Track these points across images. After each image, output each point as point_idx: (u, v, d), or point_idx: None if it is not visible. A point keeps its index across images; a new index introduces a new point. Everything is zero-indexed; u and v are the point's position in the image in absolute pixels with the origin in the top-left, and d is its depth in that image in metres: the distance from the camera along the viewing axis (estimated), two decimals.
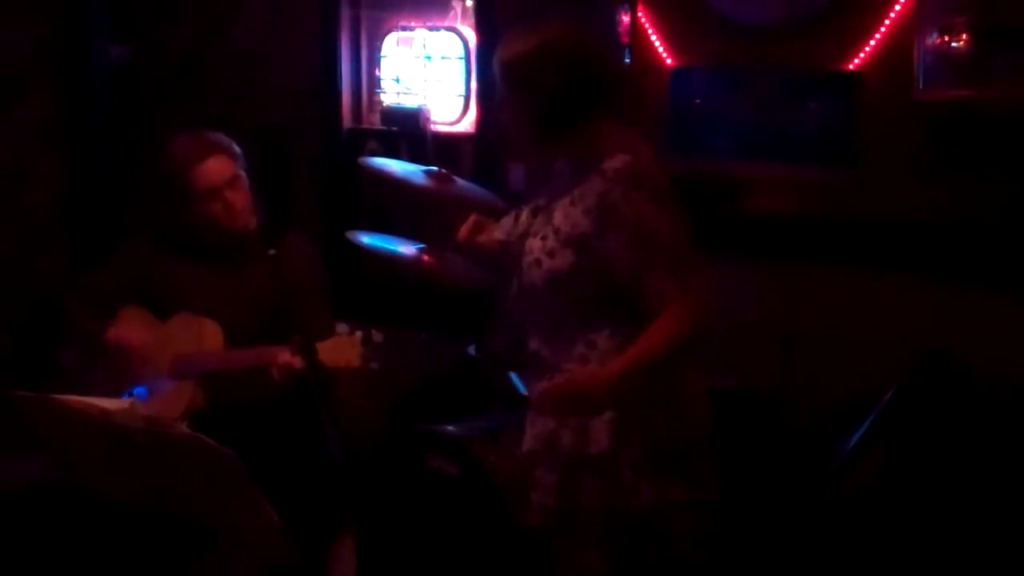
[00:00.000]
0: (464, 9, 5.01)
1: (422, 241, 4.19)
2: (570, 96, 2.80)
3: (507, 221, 3.07)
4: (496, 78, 2.91)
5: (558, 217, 2.83)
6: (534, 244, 2.87)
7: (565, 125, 2.83)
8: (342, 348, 3.23)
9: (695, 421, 2.93)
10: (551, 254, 2.82)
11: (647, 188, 2.74)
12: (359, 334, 3.23)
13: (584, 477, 2.85)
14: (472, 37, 4.94)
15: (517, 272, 2.94)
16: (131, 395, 3.47)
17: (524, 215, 3.00)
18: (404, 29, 5.15)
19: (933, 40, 3.83)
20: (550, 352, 2.92)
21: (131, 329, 3.62)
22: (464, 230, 3.10)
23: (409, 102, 5.11)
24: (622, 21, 4.43)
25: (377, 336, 3.26)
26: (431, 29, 5.06)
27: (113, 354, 3.57)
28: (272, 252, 3.41)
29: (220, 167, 3.58)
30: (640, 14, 4.42)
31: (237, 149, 3.65)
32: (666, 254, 2.73)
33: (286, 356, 3.32)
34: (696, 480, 2.90)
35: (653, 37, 4.41)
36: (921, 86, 3.88)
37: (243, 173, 3.63)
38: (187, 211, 3.58)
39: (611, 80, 2.91)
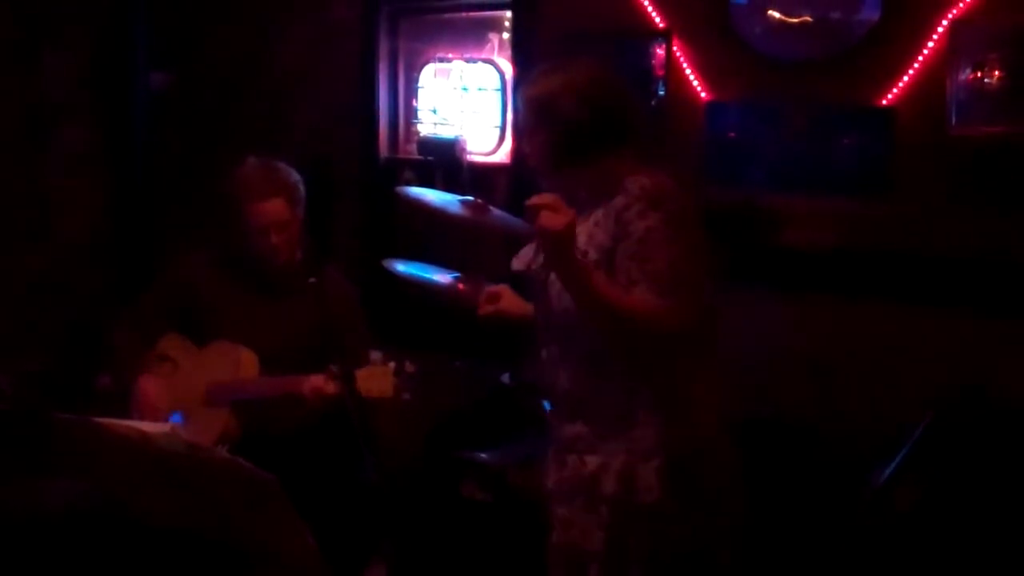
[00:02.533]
0: (501, 42, 5.06)
1: (457, 270, 4.22)
2: (588, 129, 2.82)
3: (526, 251, 3.05)
4: (520, 111, 2.95)
5: (583, 240, 2.76)
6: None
7: (582, 156, 2.84)
8: (375, 378, 3.26)
9: (728, 468, 2.91)
10: None
11: (665, 209, 2.71)
12: (392, 364, 3.26)
13: (634, 525, 2.80)
14: (508, 69, 4.99)
15: (545, 302, 2.90)
16: (167, 420, 3.49)
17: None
18: (441, 60, 5.20)
19: (966, 76, 3.85)
20: (588, 392, 2.85)
21: (155, 388, 3.62)
22: (483, 306, 3.12)
23: (445, 132, 5.15)
24: (657, 55, 4.47)
25: (410, 367, 3.29)
26: (468, 61, 5.12)
27: (133, 401, 3.60)
28: (312, 281, 3.45)
29: (277, 210, 3.61)
30: (675, 48, 4.46)
31: (302, 191, 3.68)
32: (659, 275, 2.67)
33: (319, 382, 3.35)
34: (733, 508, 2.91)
35: (688, 71, 4.44)
36: (954, 122, 3.89)
37: (299, 215, 3.66)
38: (234, 237, 3.63)
39: (631, 114, 2.92)
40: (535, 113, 2.89)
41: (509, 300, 3.13)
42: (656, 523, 2.79)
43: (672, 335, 2.70)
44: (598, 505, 2.82)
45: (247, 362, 3.61)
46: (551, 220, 2.60)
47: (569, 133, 2.82)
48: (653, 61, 4.49)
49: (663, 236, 2.69)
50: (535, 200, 2.66)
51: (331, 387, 3.30)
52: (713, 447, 2.86)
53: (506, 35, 5.04)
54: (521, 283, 3.09)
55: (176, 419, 3.54)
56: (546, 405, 3.79)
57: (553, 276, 2.82)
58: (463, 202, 4.22)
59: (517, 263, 3.07)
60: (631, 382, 2.80)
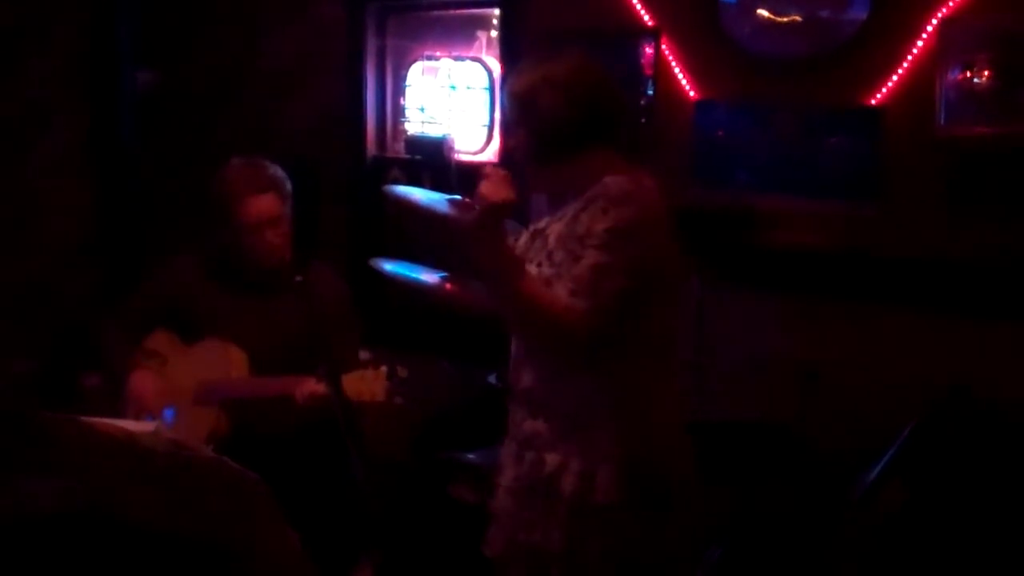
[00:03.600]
0: (489, 40, 5.06)
1: (445, 269, 4.21)
2: (569, 123, 2.80)
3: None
4: (505, 106, 2.94)
5: (552, 241, 2.78)
6: (531, 271, 2.78)
7: (565, 152, 2.82)
8: (367, 382, 3.25)
9: (684, 471, 2.89)
10: (547, 282, 2.73)
11: (617, 216, 2.67)
12: (384, 368, 3.24)
13: (592, 524, 2.79)
14: (496, 68, 4.98)
15: None
16: (154, 419, 3.48)
17: (524, 239, 2.96)
18: (429, 59, 5.20)
19: (955, 76, 3.85)
20: (548, 392, 2.84)
21: (148, 383, 3.59)
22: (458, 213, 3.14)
23: (433, 131, 5.15)
24: (646, 54, 4.46)
25: (402, 371, 3.27)
26: (456, 59, 5.11)
27: (125, 397, 3.58)
28: (299, 279, 3.43)
29: (268, 205, 3.60)
30: (664, 47, 4.46)
31: (289, 187, 3.67)
32: (580, 277, 2.64)
33: (310, 384, 3.34)
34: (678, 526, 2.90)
35: (677, 70, 4.44)
36: (943, 122, 3.89)
37: (288, 212, 3.65)
38: (226, 237, 3.62)
39: (614, 111, 2.90)
40: (518, 108, 2.88)
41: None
42: (613, 524, 2.79)
43: (576, 343, 2.67)
44: (556, 505, 2.80)
45: (237, 361, 3.60)
46: (491, 191, 2.63)
47: (550, 127, 2.81)
48: (642, 60, 4.49)
49: (601, 242, 2.66)
50: (487, 169, 2.71)
51: (322, 389, 3.29)
52: (672, 449, 2.85)
53: (494, 33, 5.04)
54: None
55: (169, 414, 3.52)
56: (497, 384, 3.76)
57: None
58: (451, 201, 4.21)
59: None
60: (591, 383, 2.79)
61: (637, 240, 2.69)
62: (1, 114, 5.34)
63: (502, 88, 4.26)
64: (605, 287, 2.64)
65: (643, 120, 4.46)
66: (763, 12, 4.21)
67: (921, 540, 3.44)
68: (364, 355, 3.34)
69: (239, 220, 3.58)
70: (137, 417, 3.51)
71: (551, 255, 2.77)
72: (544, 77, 2.83)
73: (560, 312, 2.64)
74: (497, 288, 2.76)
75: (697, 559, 3.10)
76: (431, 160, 5.04)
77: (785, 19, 4.18)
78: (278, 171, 3.68)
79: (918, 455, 3.56)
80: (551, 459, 2.82)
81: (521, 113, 2.87)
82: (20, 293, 5.36)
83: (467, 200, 4.15)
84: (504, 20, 4.95)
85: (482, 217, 2.67)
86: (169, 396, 3.57)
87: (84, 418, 2.74)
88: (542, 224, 2.91)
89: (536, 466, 2.85)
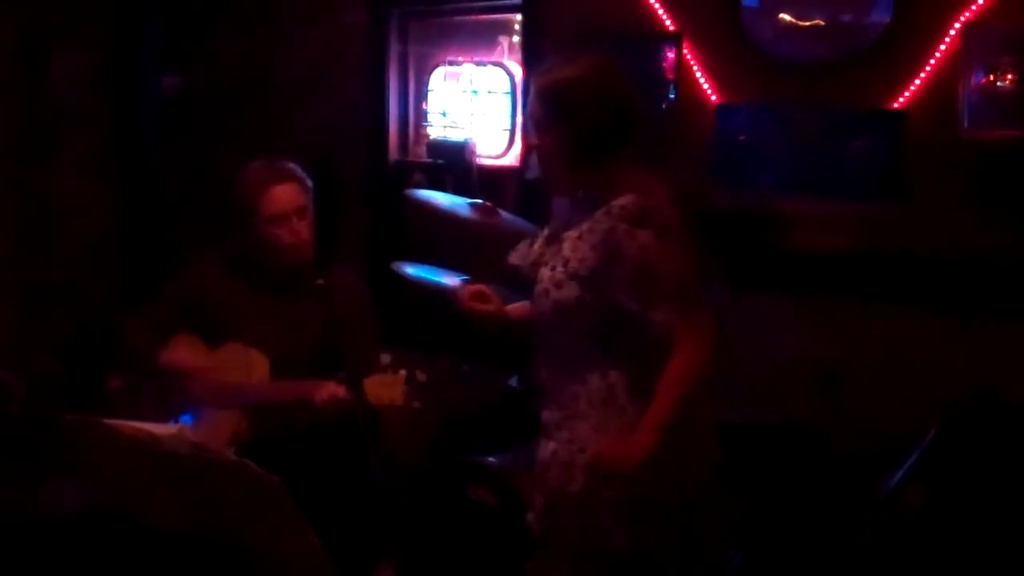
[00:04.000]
0: (511, 45, 5.06)
1: (466, 273, 4.22)
2: (607, 128, 2.84)
3: (523, 247, 3.09)
4: (532, 103, 2.92)
5: (567, 249, 2.86)
6: (545, 273, 2.90)
7: (597, 156, 2.85)
8: (386, 386, 3.25)
9: (681, 471, 2.92)
10: (558, 285, 2.84)
11: (651, 225, 2.77)
12: (403, 372, 3.25)
13: (563, 511, 2.91)
14: (518, 72, 4.98)
15: (532, 300, 2.97)
16: (177, 422, 3.49)
17: (539, 242, 3.03)
18: (451, 64, 5.20)
19: (978, 79, 3.83)
20: (554, 384, 2.97)
21: (183, 352, 3.65)
22: (466, 298, 3.14)
23: (455, 135, 5.15)
24: (667, 58, 4.46)
25: (421, 375, 3.28)
26: (478, 64, 5.11)
27: (168, 378, 3.60)
28: (320, 282, 3.44)
29: (290, 194, 3.62)
30: (685, 51, 4.45)
31: (309, 183, 3.69)
32: (668, 289, 2.76)
33: (330, 388, 3.34)
34: (684, 525, 2.94)
35: (698, 73, 4.43)
36: (966, 125, 3.87)
37: (310, 206, 3.66)
38: (252, 234, 3.62)
39: (638, 116, 2.94)
40: (550, 105, 2.87)
41: (495, 306, 3.14)
42: (580, 512, 2.88)
43: (714, 341, 2.81)
44: (544, 489, 2.97)
45: (258, 364, 3.61)
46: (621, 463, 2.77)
47: (588, 127, 2.83)
48: (664, 64, 4.48)
49: (656, 248, 2.76)
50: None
51: (343, 393, 3.30)
52: (667, 451, 2.84)
53: (516, 38, 5.03)
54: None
55: (186, 419, 3.54)
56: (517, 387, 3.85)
57: (540, 276, 2.91)
58: (472, 205, 4.22)
59: (515, 257, 3.11)
60: (581, 376, 2.89)
61: (680, 237, 2.80)
62: (25, 117, 5.36)
63: (526, 89, 4.29)
64: (693, 283, 2.79)
65: (665, 123, 4.45)
66: (785, 16, 4.20)
67: (942, 544, 3.42)
68: (385, 358, 3.34)
69: (262, 212, 3.59)
70: (180, 388, 3.57)
71: (566, 262, 2.84)
72: (580, 74, 2.84)
73: (695, 365, 2.79)
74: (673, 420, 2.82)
75: (718, 561, 3.11)
76: (453, 164, 5.04)
77: (807, 23, 4.17)
78: (296, 168, 3.70)
79: (942, 459, 3.54)
80: (549, 446, 2.97)
81: (553, 111, 2.87)
82: (43, 295, 5.39)
83: (489, 204, 4.16)
84: (526, 25, 4.95)
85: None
86: (198, 392, 3.58)
87: (107, 420, 2.77)
88: (557, 230, 2.98)
89: (543, 451, 3.00)
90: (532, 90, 2.93)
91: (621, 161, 2.87)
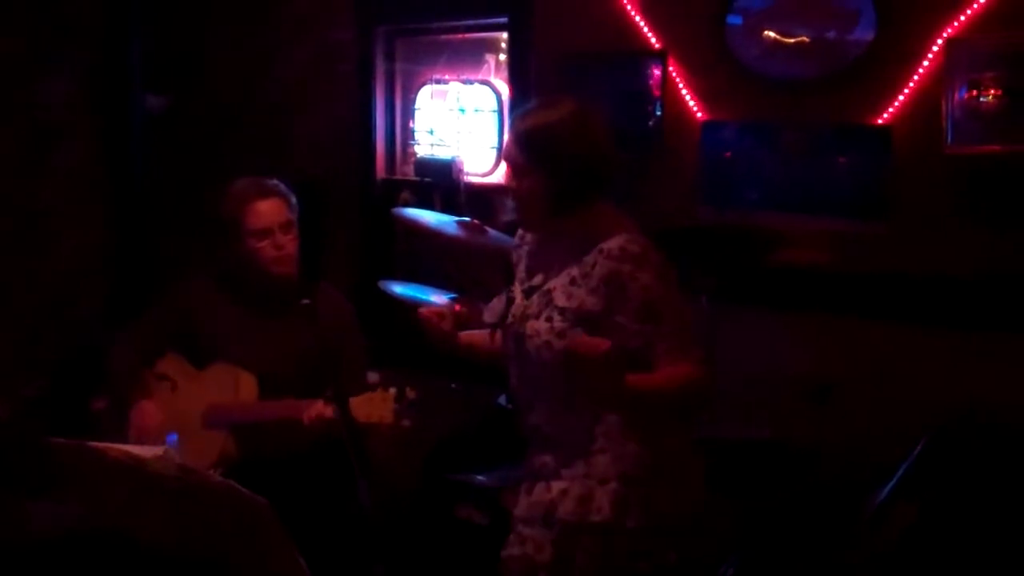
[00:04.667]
0: (497, 63, 5.07)
1: (454, 291, 4.22)
2: (586, 174, 2.81)
3: (496, 304, 3.07)
4: (510, 147, 2.86)
5: (560, 298, 2.82)
6: (539, 327, 2.84)
7: (575, 202, 2.83)
8: (375, 404, 3.25)
9: (693, 492, 2.94)
10: (561, 335, 2.80)
11: (651, 265, 2.77)
12: (393, 391, 3.25)
13: (583, 541, 2.86)
14: (505, 90, 5.00)
15: (519, 354, 2.93)
16: (163, 443, 3.48)
17: (517, 297, 2.98)
18: (438, 82, 5.21)
19: (962, 95, 3.85)
20: (557, 429, 2.91)
21: (151, 413, 3.60)
22: (423, 312, 3.11)
23: (442, 154, 5.16)
24: (653, 75, 4.47)
25: (411, 393, 3.27)
26: (465, 82, 5.12)
27: (130, 429, 3.59)
28: (306, 302, 3.44)
29: (274, 209, 3.62)
30: (671, 68, 4.47)
31: (294, 200, 3.69)
32: (673, 327, 2.76)
33: (317, 407, 3.34)
34: (687, 546, 2.94)
35: (684, 91, 4.45)
36: (950, 141, 3.89)
37: (295, 220, 3.67)
38: (238, 249, 3.62)
39: (616, 163, 2.90)
40: (529, 150, 2.82)
41: (448, 323, 3.11)
42: (605, 541, 2.85)
43: (710, 391, 2.83)
44: (552, 523, 2.89)
45: (246, 385, 3.61)
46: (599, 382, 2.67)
47: (566, 174, 2.79)
48: (650, 81, 4.50)
49: (660, 288, 2.77)
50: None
51: (330, 412, 3.29)
52: (674, 475, 2.89)
53: (503, 56, 5.05)
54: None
55: (171, 440, 3.53)
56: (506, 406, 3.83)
57: (530, 330, 2.87)
58: (460, 223, 4.23)
59: (489, 316, 3.09)
60: (596, 415, 2.86)
61: (675, 280, 2.82)
62: (15, 135, 5.36)
63: (512, 108, 4.29)
64: (691, 323, 2.82)
65: (651, 140, 4.46)
66: (770, 33, 4.22)
67: (932, 559, 3.43)
68: (373, 377, 3.34)
69: (247, 227, 3.59)
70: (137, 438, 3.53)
71: (564, 311, 2.82)
72: (560, 121, 2.80)
73: (695, 383, 2.78)
74: (641, 408, 2.83)
75: None
76: (440, 182, 5.05)
77: (792, 40, 4.19)
78: (280, 184, 3.70)
79: (929, 473, 3.55)
80: (556, 486, 2.90)
81: (538, 156, 2.81)
82: (31, 314, 5.38)
83: (476, 222, 4.17)
84: (512, 43, 4.97)
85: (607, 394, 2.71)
86: (177, 422, 3.56)
87: (93, 443, 2.76)
88: (536, 282, 2.94)
89: (543, 494, 2.93)
90: (511, 134, 2.88)
91: (600, 208, 2.86)
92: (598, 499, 2.83)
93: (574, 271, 2.82)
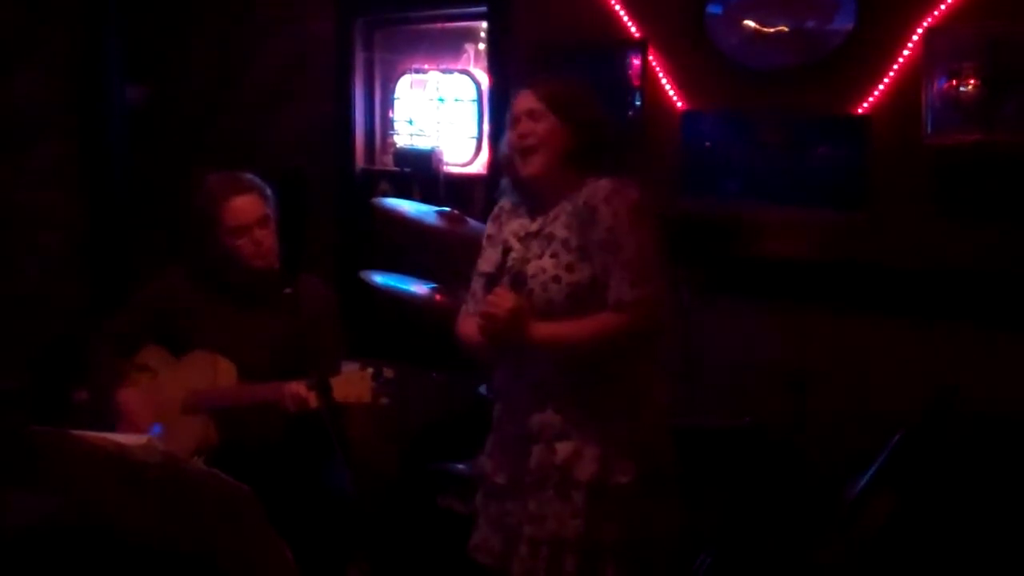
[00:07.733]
0: (477, 52, 5.07)
1: (434, 280, 4.22)
2: (599, 132, 2.96)
3: (492, 254, 3.08)
4: (532, 101, 2.95)
5: (562, 232, 2.91)
6: (545, 264, 2.90)
7: (584, 160, 2.93)
8: (353, 383, 3.25)
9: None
10: (570, 268, 2.87)
11: (625, 200, 2.85)
12: (370, 370, 3.25)
13: (609, 509, 2.88)
14: (484, 80, 4.99)
15: (526, 294, 2.92)
16: (149, 432, 3.47)
17: (514, 244, 3.02)
18: (417, 72, 5.21)
19: (941, 85, 3.86)
20: (561, 381, 2.92)
21: (136, 400, 3.60)
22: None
23: (422, 144, 5.16)
24: (633, 65, 4.48)
25: (388, 372, 3.28)
26: (444, 72, 5.12)
27: (115, 414, 3.58)
28: (287, 291, 3.43)
29: (251, 205, 3.61)
30: (651, 58, 4.47)
31: (269, 192, 3.69)
32: (629, 260, 2.81)
33: (297, 388, 3.34)
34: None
35: (664, 81, 4.45)
36: (930, 130, 3.90)
37: (272, 214, 3.66)
38: (215, 245, 3.61)
39: (615, 135, 3.09)
40: (553, 100, 2.94)
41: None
42: (630, 505, 2.88)
43: (654, 326, 2.87)
44: (571, 491, 2.89)
45: (225, 371, 3.61)
46: (498, 326, 2.83)
47: (583, 127, 2.92)
48: (629, 71, 4.50)
49: (629, 223, 2.83)
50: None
51: (312, 396, 3.29)
52: (670, 439, 3.00)
53: (482, 46, 5.05)
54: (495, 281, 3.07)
55: (156, 431, 3.52)
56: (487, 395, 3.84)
57: (535, 269, 2.92)
58: (440, 213, 4.23)
59: (485, 265, 3.11)
60: (607, 373, 2.90)
61: (653, 220, 2.90)
62: None
63: (493, 97, 4.30)
64: (655, 262, 2.86)
65: (631, 130, 4.46)
66: (750, 23, 4.23)
67: (910, 548, 3.44)
68: (350, 366, 3.34)
69: (224, 224, 3.58)
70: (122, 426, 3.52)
71: (567, 242, 2.90)
72: (579, 84, 3.05)
73: (613, 333, 2.83)
74: (570, 353, 2.89)
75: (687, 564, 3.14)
76: (420, 172, 5.04)
77: (772, 30, 4.19)
78: (256, 179, 3.70)
79: (907, 463, 3.56)
80: (563, 447, 2.91)
81: (557, 105, 2.94)
82: (10, 307, 5.36)
83: (456, 212, 4.17)
84: (491, 33, 4.97)
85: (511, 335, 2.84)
86: (158, 409, 3.56)
87: (75, 432, 2.75)
88: (534, 227, 2.99)
89: (545, 457, 2.93)
90: (532, 92, 2.97)
91: (596, 173, 2.93)
92: (620, 461, 2.88)
93: (569, 208, 2.91)
